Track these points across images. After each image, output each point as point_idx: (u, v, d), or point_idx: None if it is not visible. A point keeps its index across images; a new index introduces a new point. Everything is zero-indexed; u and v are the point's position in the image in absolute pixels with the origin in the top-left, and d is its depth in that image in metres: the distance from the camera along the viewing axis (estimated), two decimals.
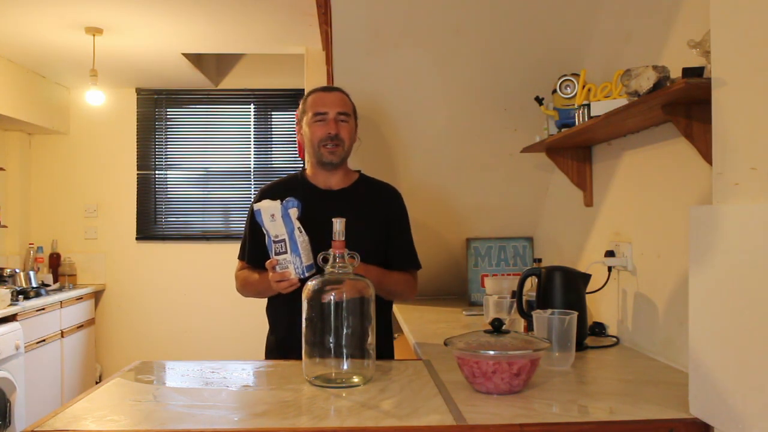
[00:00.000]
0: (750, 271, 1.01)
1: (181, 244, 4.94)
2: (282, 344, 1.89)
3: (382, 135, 2.56)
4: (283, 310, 1.88)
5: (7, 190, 4.63)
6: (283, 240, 1.63)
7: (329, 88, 1.92)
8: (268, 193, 1.93)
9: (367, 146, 2.54)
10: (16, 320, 3.56)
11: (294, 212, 1.64)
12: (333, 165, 1.87)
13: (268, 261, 1.65)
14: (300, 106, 1.93)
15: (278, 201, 1.64)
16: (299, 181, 1.95)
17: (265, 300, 1.96)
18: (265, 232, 1.65)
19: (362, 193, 1.93)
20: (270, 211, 1.63)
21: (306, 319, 1.44)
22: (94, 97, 4.02)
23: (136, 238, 4.93)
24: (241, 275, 1.93)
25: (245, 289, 1.92)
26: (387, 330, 1.95)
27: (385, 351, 1.91)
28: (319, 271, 1.54)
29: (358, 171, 1.99)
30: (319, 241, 1.67)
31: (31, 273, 4.20)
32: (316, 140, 1.85)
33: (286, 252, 1.63)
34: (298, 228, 1.63)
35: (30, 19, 3.41)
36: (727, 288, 1.06)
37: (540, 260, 2.29)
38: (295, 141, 4.80)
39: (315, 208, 1.80)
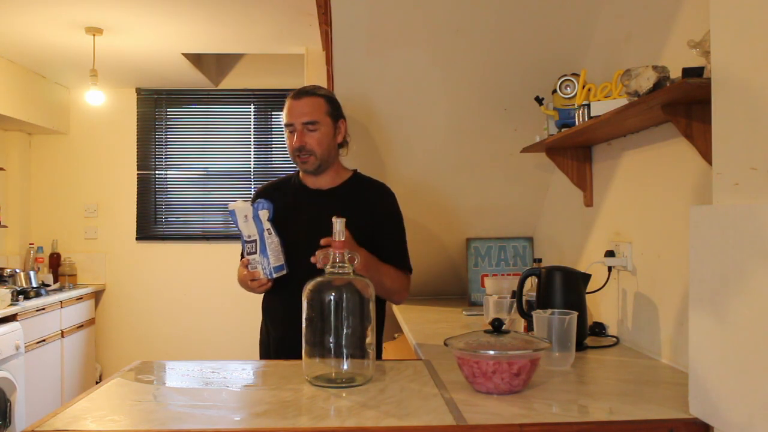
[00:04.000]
0: (750, 270, 1.01)
1: (181, 244, 4.94)
2: (274, 341, 1.91)
3: (382, 135, 2.56)
4: (273, 304, 1.91)
5: (7, 190, 4.63)
6: (254, 241, 1.69)
7: (300, 93, 1.86)
8: (261, 194, 1.96)
9: (367, 146, 2.55)
10: (17, 320, 3.56)
11: (264, 214, 1.69)
12: (310, 173, 1.88)
13: (242, 260, 1.73)
14: None
15: (249, 202, 1.71)
16: (292, 181, 1.97)
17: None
18: (239, 232, 1.72)
19: (352, 192, 1.92)
20: (243, 212, 1.69)
21: (306, 319, 1.43)
22: (94, 97, 4.02)
23: (136, 238, 4.93)
24: (239, 272, 1.94)
25: (241, 285, 1.93)
26: (378, 331, 1.95)
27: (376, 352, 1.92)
28: (309, 268, 1.55)
29: (354, 170, 1.98)
30: (304, 240, 1.68)
31: (32, 273, 4.20)
32: (290, 151, 1.87)
33: (255, 252, 1.69)
34: (268, 230, 1.68)
35: (30, 19, 3.41)
36: (727, 288, 1.06)
37: (540, 260, 2.30)
38: None
39: (302, 207, 1.82)
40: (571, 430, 1.17)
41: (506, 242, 2.87)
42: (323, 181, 1.91)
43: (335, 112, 1.88)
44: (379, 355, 1.97)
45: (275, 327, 1.91)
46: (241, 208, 1.69)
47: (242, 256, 1.98)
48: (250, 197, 1.98)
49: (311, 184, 1.92)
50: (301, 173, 1.96)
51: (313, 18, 3.27)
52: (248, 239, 1.70)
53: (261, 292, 1.79)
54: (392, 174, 2.62)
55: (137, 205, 4.94)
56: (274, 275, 1.70)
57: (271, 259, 1.68)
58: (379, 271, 1.79)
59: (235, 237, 4.85)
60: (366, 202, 1.91)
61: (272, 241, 1.69)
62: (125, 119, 4.95)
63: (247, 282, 1.74)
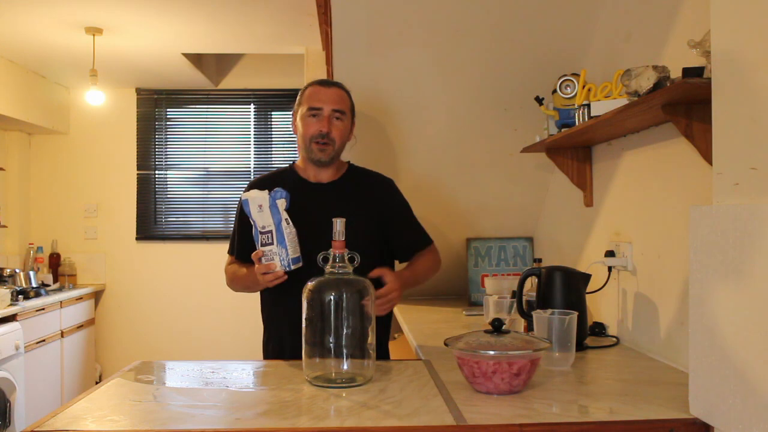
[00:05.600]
0: (750, 270, 1.01)
1: (181, 244, 4.94)
2: (277, 346, 1.88)
3: (382, 135, 2.56)
4: (276, 310, 1.88)
5: (7, 190, 4.63)
6: (270, 231, 1.61)
7: (328, 83, 1.88)
8: (257, 185, 1.90)
9: (367, 146, 2.55)
10: (16, 320, 3.55)
11: (282, 203, 1.62)
12: (322, 163, 1.85)
13: (254, 252, 1.64)
14: (297, 98, 1.89)
15: (266, 191, 1.63)
16: (289, 174, 1.93)
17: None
18: (252, 222, 1.64)
19: (353, 185, 1.91)
20: (258, 201, 1.62)
21: (306, 319, 1.43)
22: (94, 97, 4.01)
23: (136, 238, 4.93)
24: (230, 270, 1.91)
25: (234, 283, 1.90)
26: (385, 330, 1.95)
27: (381, 352, 1.90)
28: (310, 265, 1.53)
29: (347, 162, 1.96)
30: (308, 235, 1.66)
31: (31, 273, 4.20)
32: (308, 136, 1.82)
33: (272, 243, 1.61)
34: (286, 219, 1.61)
35: (30, 19, 3.41)
36: (727, 288, 1.06)
37: (540, 260, 2.29)
38: (294, 141, 4.80)
39: (304, 201, 1.79)
40: (571, 430, 1.17)
41: (506, 242, 2.87)
42: (325, 175, 1.89)
43: (353, 110, 1.90)
44: (387, 356, 1.95)
45: (286, 327, 1.84)
46: (255, 197, 1.62)
47: (230, 254, 1.96)
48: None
49: (312, 178, 1.89)
50: (299, 165, 1.93)
51: (313, 18, 3.27)
52: (263, 230, 1.62)
53: (272, 286, 1.67)
54: (392, 174, 2.61)
55: (137, 205, 4.94)
56: (292, 267, 1.62)
57: (289, 250, 1.61)
58: (418, 275, 1.91)
59: None
60: (370, 194, 1.90)
61: (290, 231, 1.62)
62: (125, 119, 4.95)
63: (257, 277, 1.64)
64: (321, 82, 1.87)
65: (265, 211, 1.61)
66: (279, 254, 1.61)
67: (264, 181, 1.92)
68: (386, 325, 1.96)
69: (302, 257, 1.65)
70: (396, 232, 1.91)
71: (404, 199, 1.97)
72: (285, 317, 1.82)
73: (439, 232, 2.88)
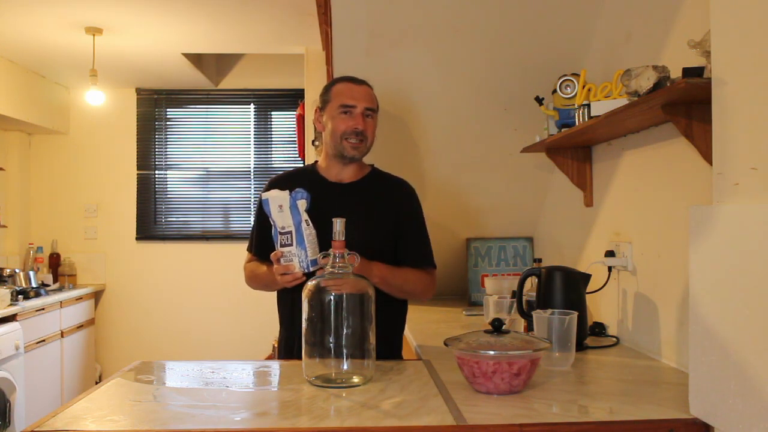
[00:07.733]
0: (750, 270, 1.00)
1: (181, 244, 4.94)
2: (291, 344, 1.88)
3: (381, 135, 2.55)
4: (292, 310, 1.86)
5: (7, 190, 4.63)
6: (290, 232, 1.59)
7: (357, 80, 1.83)
8: (276, 183, 1.87)
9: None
10: (16, 320, 3.55)
11: (302, 204, 1.60)
12: (353, 160, 1.83)
13: (273, 252, 1.63)
14: (321, 96, 1.86)
15: (287, 191, 1.60)
16: (309, 173, 1.91)
17: (274, 295, 1.92)
18: (272, 222, 1.62)
19: (373, 187, 1.88)
20: (278, 201, 1.59)
21: (306, 319, 1.43)
22: (94, 97, 4.01)
23: (136, 238, 4.93)
24: (249, 267, 1.90)
25: (252, 281, 1.89)
26: (399, 328, 1.93)
27: (395, 350, 1.89)
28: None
29: (371, 165, 1.94)
30: (326, 234, 1.65)
31: (31, 273, 4.20)
32: (339, 132, 1.79)
33: (291, 244, 1.59)
34: (306, 220, 1.59)
35: (30, 19, 3.41)
36: (727, 288, 1.06)
37: (540, 260, 2.29)
38: (294, 141, 4.80)
39: (323, 200, 1.77)
40: (571, 430, 1.17)
41: (506, 242, 2.87)
42: (346, 174, 1.86)
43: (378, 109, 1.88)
44: (399, 355, 1.92)
45: (300, 327, 1.84)
46: (276, 197, 1.60)
47: (250, 251, 1.94)
48: (250, 197, 1.93)
49: (332, 177, 1.86)
50: (321, 164, 1.90)
51: (313, 18, 3.27)
52: (282, 230, 1.60)
53: (291, 287, 1.67)
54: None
55: (137, 205, 4.94)
56: (311, 268, 1.59)
57: (308, 252, 1.58)
58: (396, 278, 1.77)
59: (235, 237, 4.87)
60: (389, 198, 1.87)
61: (310, 232, 1.59)
62: (125, 119, 4.95)
63: (275, 277, 1.63)
64: (351, 79, 1.84)
65: (286, 211, 1.59)
66: (298, 255, 1.59)
67: (283, 179, 1.90)
68: (401, 324, 1.93)
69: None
70: (402, 240, 1.85)
71: (421, 211, 1.92)
72: (301, 317, 1.81)
73: (439, 232, 2.88)
